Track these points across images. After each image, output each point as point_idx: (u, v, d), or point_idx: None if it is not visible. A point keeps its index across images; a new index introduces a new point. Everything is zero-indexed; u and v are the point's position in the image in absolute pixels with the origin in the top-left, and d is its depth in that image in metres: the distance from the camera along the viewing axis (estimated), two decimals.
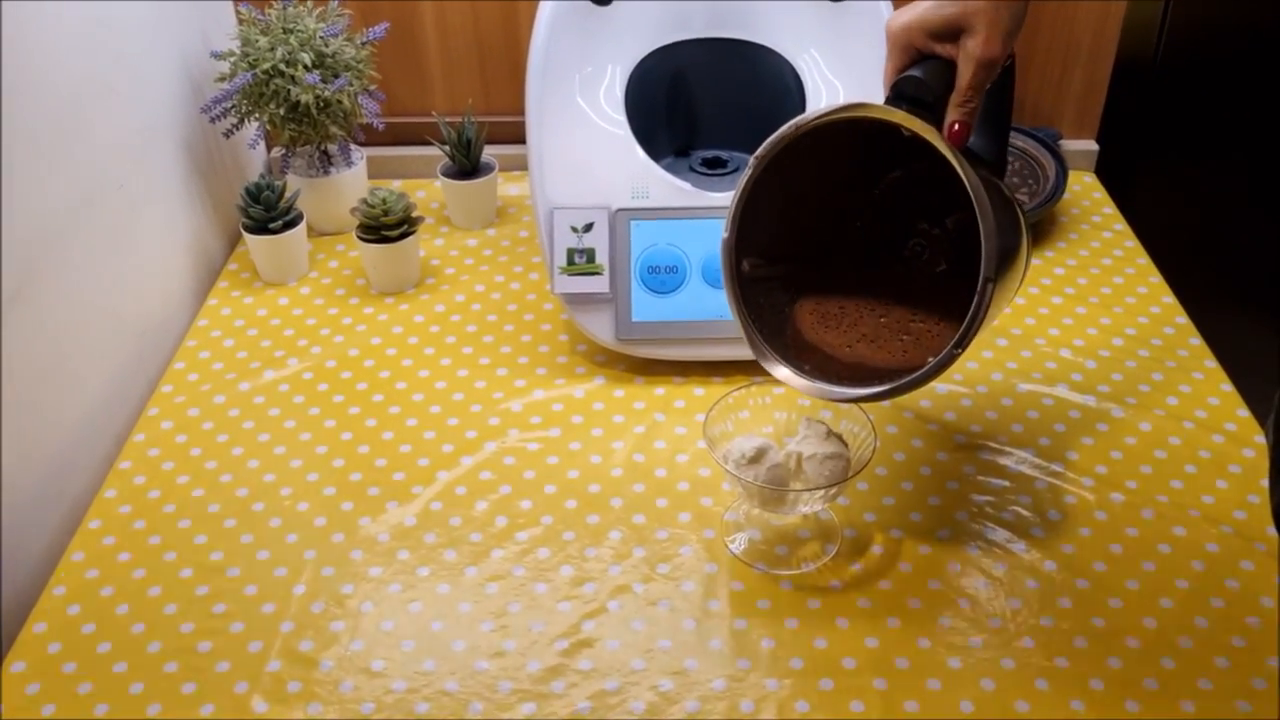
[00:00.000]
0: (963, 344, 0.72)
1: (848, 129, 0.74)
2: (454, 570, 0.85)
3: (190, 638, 0.80)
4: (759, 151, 0.76)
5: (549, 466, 0.94)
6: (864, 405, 0.83)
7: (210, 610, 0.82)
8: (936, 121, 0.70)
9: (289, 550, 0.86)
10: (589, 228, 1.00)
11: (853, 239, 0.83)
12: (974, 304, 0.71)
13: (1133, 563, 0.84)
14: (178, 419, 0.99)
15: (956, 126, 0.70)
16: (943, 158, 0.70)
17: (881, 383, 0.76)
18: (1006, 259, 0.72)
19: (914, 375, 0.74)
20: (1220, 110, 1.34)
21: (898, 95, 0.71)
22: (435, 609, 0.82)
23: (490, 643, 0.79)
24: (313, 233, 1.22)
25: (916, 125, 0.70)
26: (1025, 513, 0.88)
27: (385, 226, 1.10)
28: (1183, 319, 1.08)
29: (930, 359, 0.74)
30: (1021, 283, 0.80)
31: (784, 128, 0.75)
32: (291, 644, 0.79)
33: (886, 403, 0.98)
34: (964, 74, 0.69)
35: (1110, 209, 1.25)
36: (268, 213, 1.12)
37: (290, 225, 1.13)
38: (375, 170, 1.30)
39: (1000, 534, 0.86)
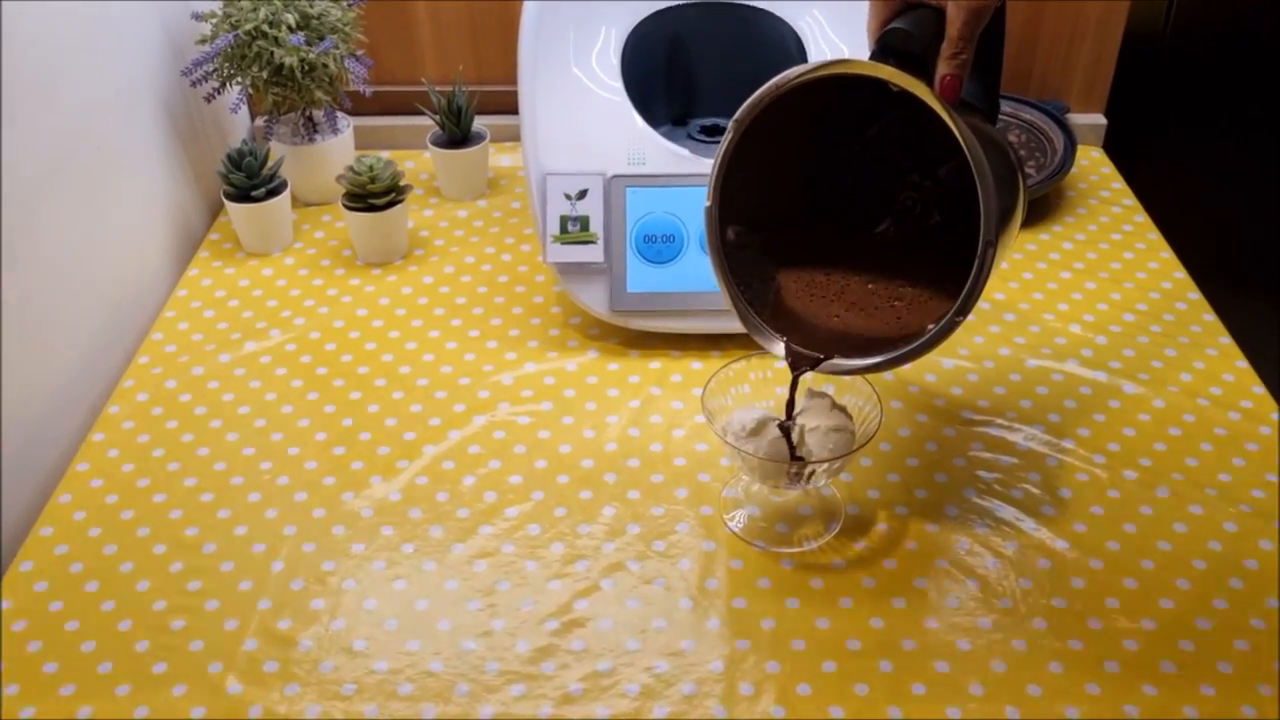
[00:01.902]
0: (964, 310, 0.69)
1: (832, 86, 0.70)
2: (440, 547, 0.81)
3: (163, 615, 0.76)
4: (738, 114, 0.72)
5: (540, 441, 0.90)
6: (869, 378, 0.80)
7: (184, 587, 0.78)
8: (926, 75, 0.66)
9: (268, 526, 0.83)
10: (583, 195, 0.97)
11: (840, 200, 0.79)
12: (975, 268, 0.68)
13: (1147, 542, 0.81)
14: (154, 391, 0.95)
15: (948, 79, 0.66)
16: (928, 108, 0.67)
17: (877, 353, 0.72)
18: (1005, 217, 0.68)
19: (914, 344, 0.71)
20: (1231, 85, 1.30)
21: (884, 49, 0.67)
22: (420, 587, 0.78)
23: (477, 622, 0.76)
24: (298, 203, 1.18)
25: (905, 81, 0.66)
26: (1035, 490, 0.85)
27: (372, 195, 1.07)
28: (1195, 294, 1.05)
29: (930, 325, 0.71)
30: (1017, 235, 0.76)
31: (763, 88, 0.71)
32: (269, 622, 0.76)
33: (889, 375, 0.95)
34: (954, 23, 0.65)
35: (1119, 184, 1.21)
36: (250, 180, 1.08)
37: (273, 193, 1.09)
38: (363, 141, 1.26)
39: (1009, 512, 0.83)
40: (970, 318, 0.70)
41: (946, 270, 0.72)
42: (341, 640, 0.74)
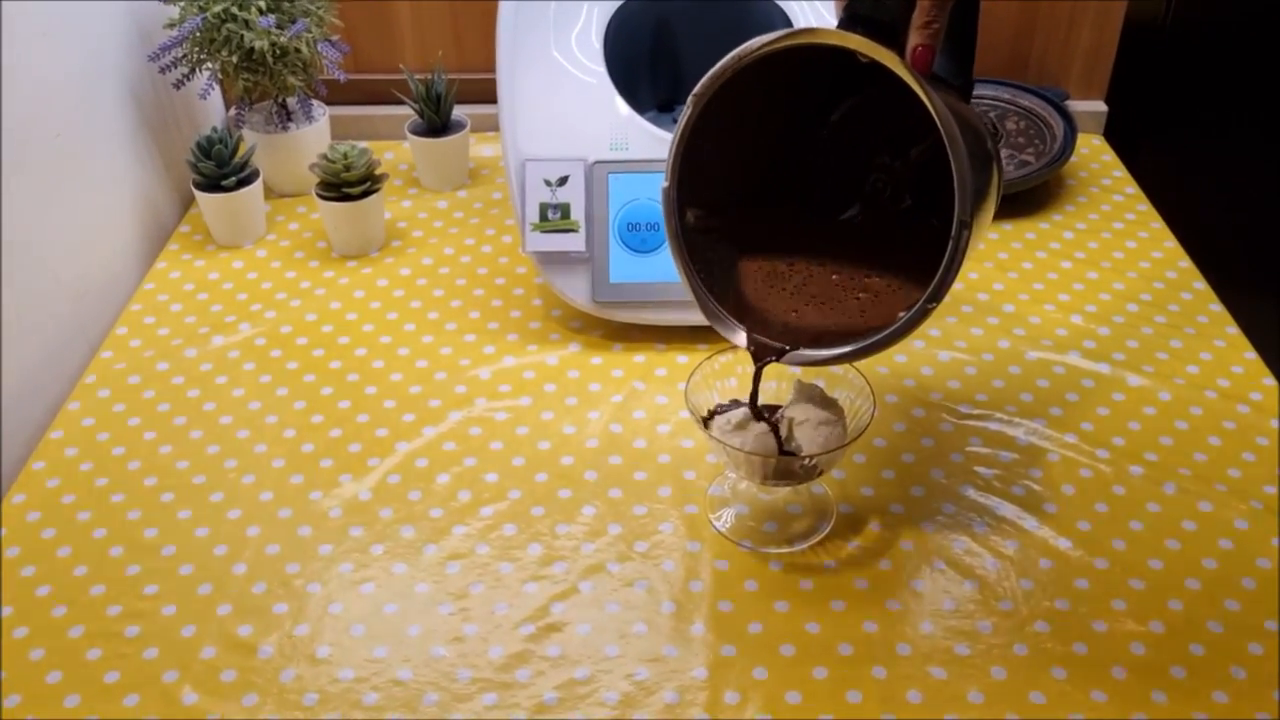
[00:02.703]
0: (937, 296, 0.65)
1: (795, 58, 0.66)
2: (411, 548, 0.77)
3: (117, 622, 0.72)
4: (697, 89, 0.68)
5: (518, 437, 0.86)
6: (861, 370, 0.76)
7: (140, 591, 0.74)
8: (897, 45, 0.62)
9: (230, 527, 0.79)
10: (564, 181, 0.93)
11: (804, 183, 0.76)
12: (949, 251, 0.64)
13: (1155, 541, 0.77)
14: (116, 387, 0.91)
15: (919, 50, 0.61)
16: (899, 85, 0.63)
17: (843, 344, 0.69)
18: (980, 197, 0.64)
19: (884, 333, 0.67)
20: (1233, 72, 1.27)
21: (852, 17, 0.63)
22: (389, 590, 0.74)
23: (449, 627, 0.72)
24: (271, 194, 1.15)
25: (874, 51, 0.62)
26: (1037, 487, 0.81)
27: (346, 184, 1.03)
28: (1200, 284, 1.01)
29: (901, 314, 0.67)
30: (992, 218, 0.72)
31: (724, 60, 0.67)
32: (228, 629, 0.72)
33: (883, 368, 0.91)
34: None
35: (1120, 172, 1.18)
36: (220, 169, 1.04)
37: (245, 183, 1.05)
38: (340, 131, 1.23)
39: (1010, 510, 0.79)
40: (946, 299, 0.66)
41: (917, 257, 0.69)
42: (305, 647, 0.70)
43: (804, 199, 0.76)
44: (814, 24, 0.97)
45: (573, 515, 0.79)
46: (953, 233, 0.64)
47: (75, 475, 0.83)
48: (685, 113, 0.69)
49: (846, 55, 0.64)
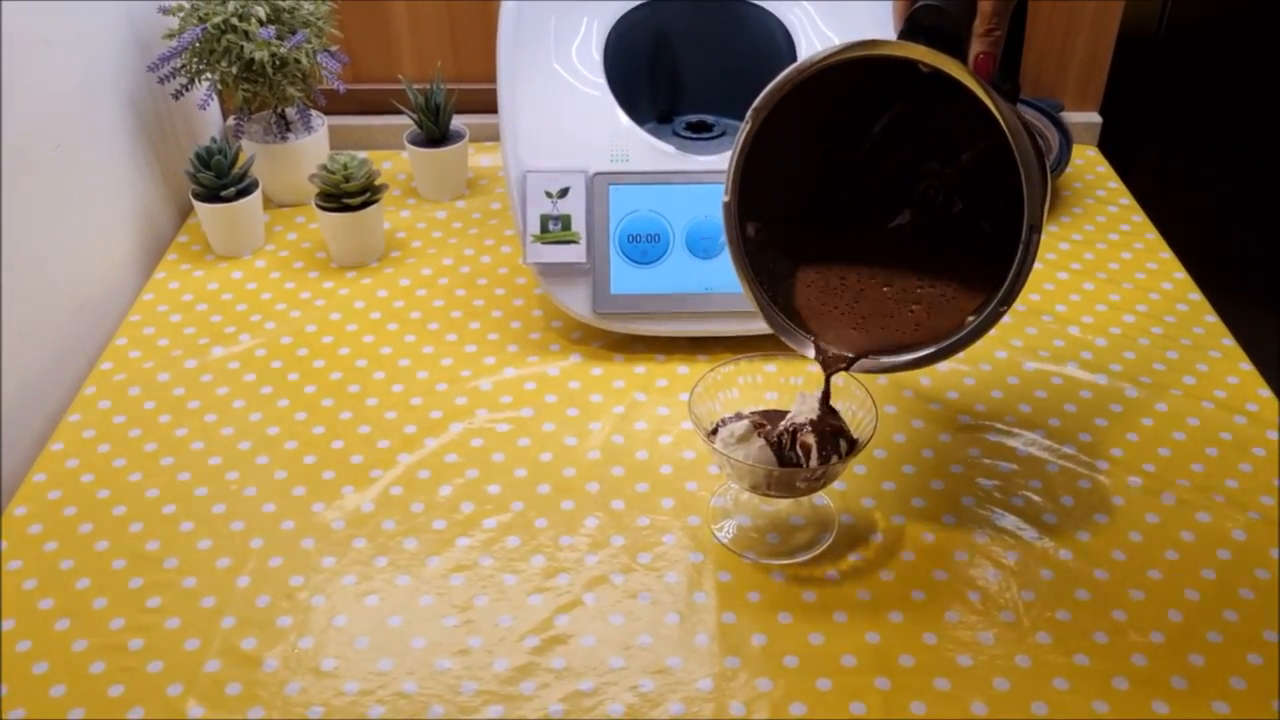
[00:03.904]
0: (1009, 300, 0.67)
1: (849, 71, 0.67)
2: (415, 560, 0.77)
3: (120, 635, 0.72)
4: (757, 103, 0.69)
5: (520, 449, 0.86)
6: (861, 380, 0.76)
7: (143, 604, 0.74)
8: (959, 54, 0.63)
9: (233, 539, 0.79)
10: (564, 193, 0.93)
11: (855, 195, 0.76)
12: (1020, 254, 0.66)
13: (1154, 552, 0.77)
14: (116, 398, 0.91)
15: (981, 57, 0.63)
16: (947, 92, 0.63)
17: (908, 352, 0.71)
18: (1044, 201, 0.65)
19: (956, 337, 0.69)
20: (1227, 83, 1.28)
21: (913, 27, 0.64)
22: (393, 603, 0.74)
23: (453, 639, 0.72)
24: (270, 204, 1.15)
25: (939, 60, 0.62)
26: (1036, 498, 0.81)
27: (346, 194, 1.03)
28: (1196, 295, 1.02)
29: (971, 317, 0.68)
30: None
31: (784, 73, 0.68)
32: (232, 641, 0.72)
33: (882, 379, 0.91)
34: None
35: (1115, 183, 1.18)
36: (219, 179, 1.04)
37: (244, 193, 1.05)
38: (339, 141, 1.23)
39: (1010, 520, 0.80)
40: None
41: (969, 263, 0.70)
42: (309, 660, 0.70)
43: (855, 209, 0.76)
44: (811, 33, 0.98)
45: (575, 527, 0.80)
46: (1023, 237, 0.65)
47: (77, 487, 0.83)
48: (744, 127, 0.70)
49: (905, 66, 0.64)
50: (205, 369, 0.94)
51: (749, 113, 0.69)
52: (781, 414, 0.77)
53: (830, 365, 0.73)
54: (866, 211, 0.76)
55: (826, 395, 0.75)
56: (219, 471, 0.84)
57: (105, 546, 0.78)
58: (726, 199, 0.72)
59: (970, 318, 0.69)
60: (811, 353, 0.74)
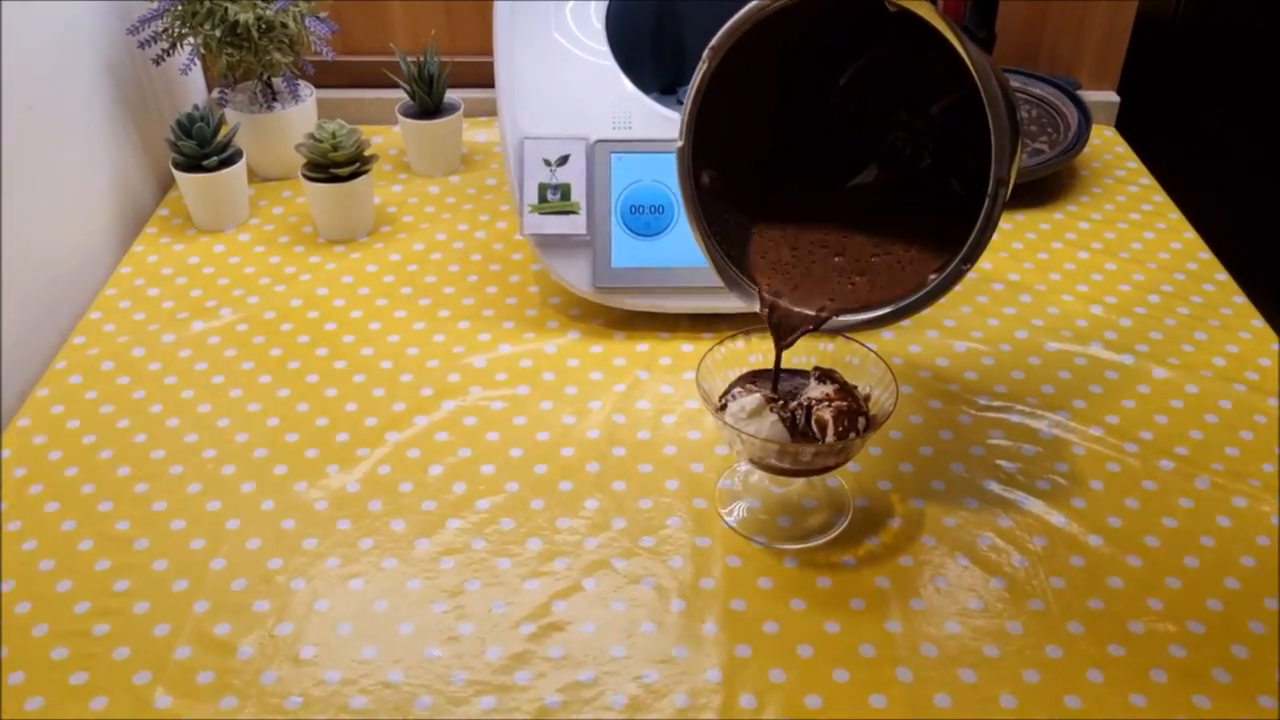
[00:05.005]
0: (972, 258, 0.63)
1: (814, 12, 0.63)
2: (402, 543, 0.72)
3: (85, 619, 0.67)
4: (714, 41, 0.65)
5: (515, 428, 0.81)
6: (880, 354, 0.71)
7: (110, 588, 0.69)
8: None
9: (209, 519, 0.74)
10: (564, 160, 0.88)
11: (818, 143, 0.72)
12: (985, 208, 0.61)
13: (1190, 537, 0.73)
14: (88, 373, 0.86)
15: None
16: (919, 42, 0.60)
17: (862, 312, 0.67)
18: (1014, 154, 0.61)
19: (917, 294, 0.65)
20: (1247, 63, 1.24)
21: None
22: (379, 587, 0.69)
23: (443, 626, 0.67)
24: (256, 177, 1.10)
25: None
26: (1063, 481, 0.77)
27: (334, 164, 0.98)
28: (1223, 275, 0.97)
29: (933, 276, 0.64)
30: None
31: (743, 11, 0.64)
32: (205, 627, 0.67)
33: (898, 358, 0.87)
34: None
35: (1135, 163, 1.14)
36: (201, 148, 0.99)
37: (227, 163, 1.00)
38: (329, 115, 1.17)
39: (1036, 505, 0.75)
40: (971, 276, 0.64)
41: (935, 223, 0.66)
42: (288, 647, 0.66)
43: (817, 162, 0.72)
44: None
45: (574, 509, 0.75)
46: (989, 190, 0.61)
47: (43, 465, 0.78)
48: (700, 67, 0.65)
49: (872, 6, 0.60)
50: (183, 344, 0.89)
51: (705, 51, 0.66)
52: (767, 373, 0.72)
53: (783, 326, 0.69)
54: (829, 164, 0.72)
55: (777, 364, 0.71)
56: (195, 449, 0.79)
57: (72, 527, 0.73)
58: (680, 143, 0.68)
59: (932, 276, 0.64)
60: (760, 309, 0.69)
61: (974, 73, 0.59)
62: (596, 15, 0.93)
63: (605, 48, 0.91)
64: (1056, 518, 0.74)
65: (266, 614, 0.67)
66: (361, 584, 0.69)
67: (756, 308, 0.70)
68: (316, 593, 0.69)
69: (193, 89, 1.17)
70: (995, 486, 0.76)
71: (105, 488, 0.76)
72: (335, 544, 0.72)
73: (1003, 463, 0.78)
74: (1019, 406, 0.83)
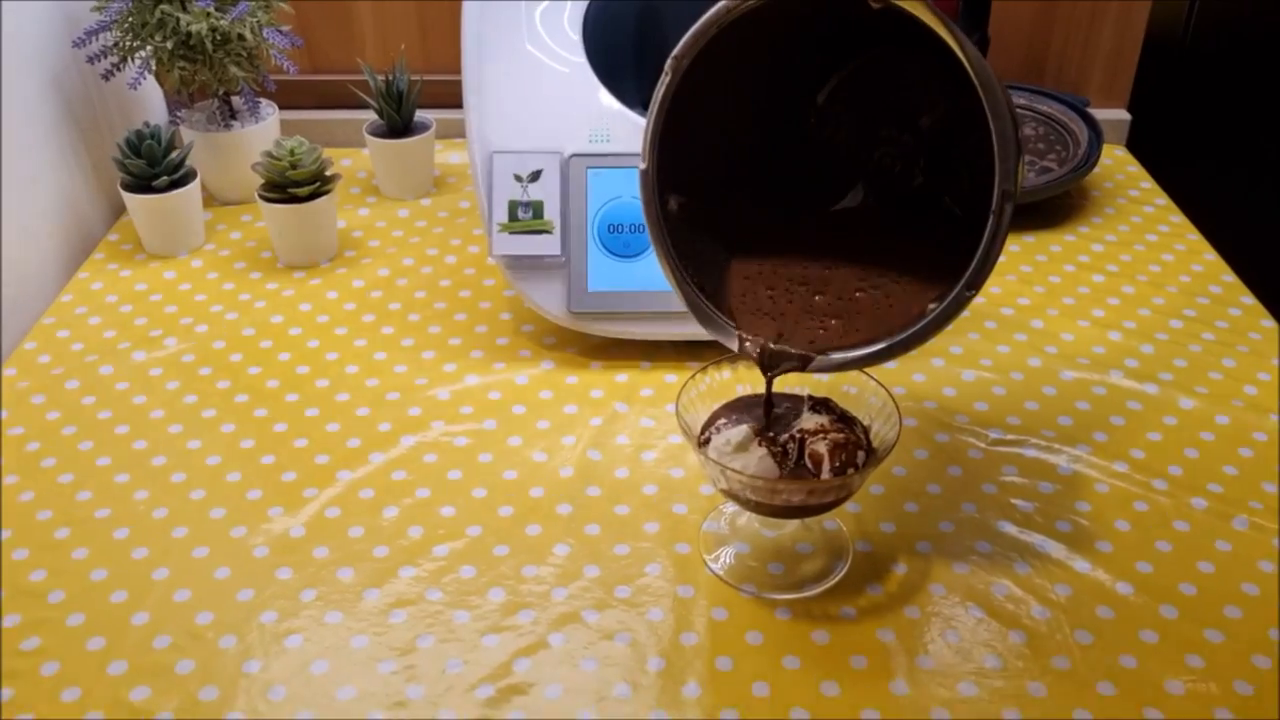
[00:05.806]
0: (976, 283, 0.56)
1: (788, 15, 0.56)
2: (349, 594, 0.65)
3: None
4: (677, 50, 0.58)
5: (479, 465, 0.74)
6: (881, 381, 0.64)
7: (16, 647, 0.61)
8: None
9: (133, 569, 0.66)
10: (536, 176, 0.82)
11: (797, 164, 0.65)
12: (990, 226, 0.55)
13: (1229, 585, 0.65)
14: (17, 408, 0.79)
15: None
16: (904, 47, 0.53)
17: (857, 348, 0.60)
18: (1018, 165, 0.54)
19: (916, 327, 0.58)
20: (1259, 81, 1.18)
21: None
22: (319, 645, 0.62)
23: (390, 689, 0.59)
24: (213, 201, 1.03)
25: None
26: (1086, 523, 0.69)
27: (293, 183, 0.91)
28: (1249, 299, 0.90)
29: (932, 305, 0.57)
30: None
31: (707, 15, 0.57)
32: (120, 692, 0.59)
33: (900, 387, 0.79)
34: None
35: (1149, 183, 1.08)
36: (151, 167, 0.92)
37: (179, 184, 0.94)
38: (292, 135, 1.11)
39: (1057, 549, 0.67)
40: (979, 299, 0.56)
41: (930, 249, 0.59)
42: (212, 713, 0.58)
43: (796, 184, 0.65)
44: None
45: (542, 556, 0.67)
46: (994, 205, 0.54)
47: None
48: (663, 80, 0.58)
49: (852, 6, 0.54)
50: (122, 376, 0.82)
51: (668, 62, 0.58)
52: (757, 400, 0.65)
53: (772, 364, 0.61)
54: (810, 186, 0.65)
55: (768, 402, 0.63)
56: (125, 491, 0.72)
57: None
58: (643, 165, 0.61)
59: (931, 305, 0.57)
60: (744, 349, 0.62)
61: (974, 77, 0.52)
62: (572, 19, 0.87)
63: (581, 56, 0.85)
64: (1080, 564, 0.66)
65: (190, 677, 0.60)
66: (299, 641, 0.62)
67: (735, 346, 0.62)
68: (248, 652, 0.61)
69: (150, 107, 1.11)
70: (1011, 528, 0.69)
71: (22, 533, 0.69)
72: (273, 596, 0.64)
73: (1018, 502, 0.71)
74: (1034, 440, 0.76)
